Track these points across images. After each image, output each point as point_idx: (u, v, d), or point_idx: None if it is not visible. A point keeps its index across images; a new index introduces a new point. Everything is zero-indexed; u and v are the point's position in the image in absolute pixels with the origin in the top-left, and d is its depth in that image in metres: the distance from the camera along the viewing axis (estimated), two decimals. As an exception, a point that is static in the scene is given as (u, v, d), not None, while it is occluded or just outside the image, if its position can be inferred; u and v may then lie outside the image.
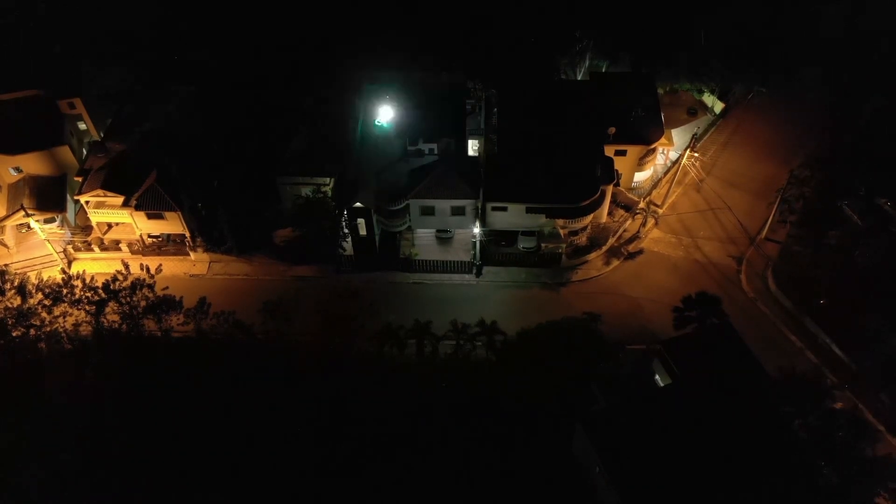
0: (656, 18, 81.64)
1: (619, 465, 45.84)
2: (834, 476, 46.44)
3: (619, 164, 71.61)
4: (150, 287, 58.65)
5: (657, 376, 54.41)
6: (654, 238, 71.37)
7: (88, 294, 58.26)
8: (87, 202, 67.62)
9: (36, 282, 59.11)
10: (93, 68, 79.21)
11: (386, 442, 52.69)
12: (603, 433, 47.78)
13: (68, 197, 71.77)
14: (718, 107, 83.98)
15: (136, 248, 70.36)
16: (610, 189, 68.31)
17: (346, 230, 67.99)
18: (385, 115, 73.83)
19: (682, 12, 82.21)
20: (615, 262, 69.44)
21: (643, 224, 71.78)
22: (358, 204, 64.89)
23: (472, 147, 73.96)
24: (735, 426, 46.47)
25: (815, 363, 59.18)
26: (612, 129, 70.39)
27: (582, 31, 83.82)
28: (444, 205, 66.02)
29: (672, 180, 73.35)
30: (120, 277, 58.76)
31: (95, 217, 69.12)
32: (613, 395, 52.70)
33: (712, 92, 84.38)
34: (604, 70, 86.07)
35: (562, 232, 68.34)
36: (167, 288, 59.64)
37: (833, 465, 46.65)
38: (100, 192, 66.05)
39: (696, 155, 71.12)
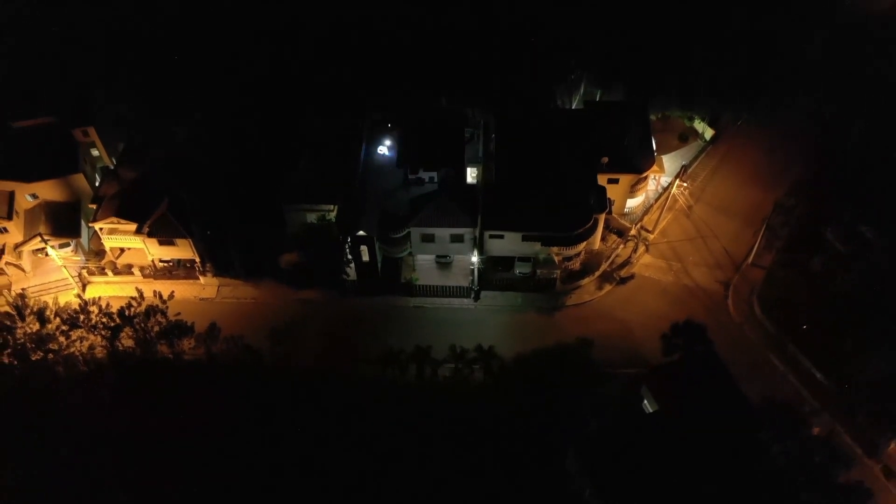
0: (648, 50, 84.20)
1: (609, 488, 48.53)
2: (812, 501, 48.96)
3: (612, 191, 74.21)
4: (163, 313, 61.52)
5: (646, 401, 57.08)
6: (644, 263, 74.02)
7: (104, 320, 61.09)
8: (101, 228, 70.28)
9: (54, 307, 61.89)
10: (104, 96, 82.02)
11: (386, 458, 55.20)
12: (594, 456, 50.56)
13: (82, 222, 74.53)
14: (709, 133, 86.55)
15: (148, 272, 73.00)
16: (602, 217, 70.87)
17: (349, 256, 70.63)
18: (387, 143, 76.69)
19: (672, 44, 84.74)
20: (607, 287, 72.13)
21: (634, 250, 74.49)
22: (361, 232, 67.59)
23: (471, 175, 76.56)
24: (716, 453, 49.17)
25: (797, 387, 61.74)
26: (605, 159, 73.11)
27: (576, 61, 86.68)
28: (443, 233, 68.63)
29: (663, 207, 76.07)
30: (134, 304, 61.56)
31: (109, 243, 71.85)
32: (605, 419, 55.50)
33: (702, 119, 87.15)
34: (598, 98, 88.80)
35: (556, 258, 71.12)
36: (179, 314, 62.41)
37: (811, 489, 49.22)
38: (114, 219, 68.65)
39: (684, 184, 73.84)
